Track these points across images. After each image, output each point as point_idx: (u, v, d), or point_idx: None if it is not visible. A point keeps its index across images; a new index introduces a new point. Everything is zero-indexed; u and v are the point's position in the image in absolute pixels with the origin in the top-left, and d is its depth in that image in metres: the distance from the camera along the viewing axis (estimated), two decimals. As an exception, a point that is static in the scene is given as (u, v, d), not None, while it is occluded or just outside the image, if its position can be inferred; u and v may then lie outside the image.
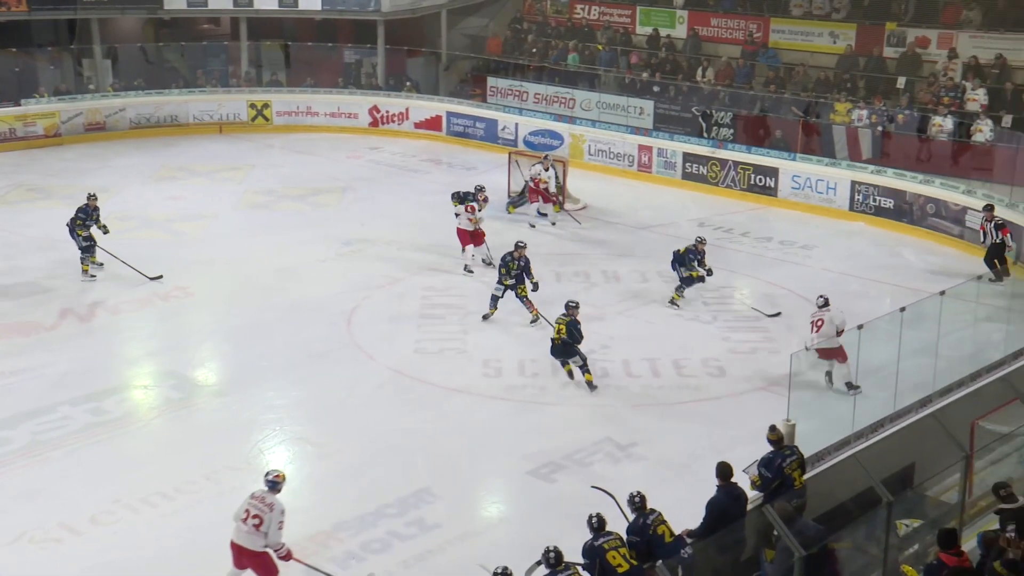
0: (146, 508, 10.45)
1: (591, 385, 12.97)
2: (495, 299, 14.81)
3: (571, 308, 13.00)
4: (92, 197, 16.59)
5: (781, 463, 9.15)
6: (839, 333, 12.47)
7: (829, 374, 12.49)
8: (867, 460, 9.18)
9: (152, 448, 11.84)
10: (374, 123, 26.54)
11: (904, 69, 21.91)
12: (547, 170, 19.49)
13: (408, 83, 27.08)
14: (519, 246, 14.75)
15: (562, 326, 12.85)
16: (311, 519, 10.41)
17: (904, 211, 19.02)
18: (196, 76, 27.10)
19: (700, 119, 22.59)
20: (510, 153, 21.80)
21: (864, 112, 20.89)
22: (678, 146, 22.15)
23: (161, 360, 13.94)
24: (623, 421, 12.31)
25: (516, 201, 20.19)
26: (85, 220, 16.32)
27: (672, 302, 15.59)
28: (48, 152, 23.99)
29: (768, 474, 9.13)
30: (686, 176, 21.92)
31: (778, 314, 15.33)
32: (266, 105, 26.64)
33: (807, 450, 9.48)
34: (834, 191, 19.90)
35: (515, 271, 14.65)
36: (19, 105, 24.38)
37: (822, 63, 23.09)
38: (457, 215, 16.91)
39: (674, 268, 15.60)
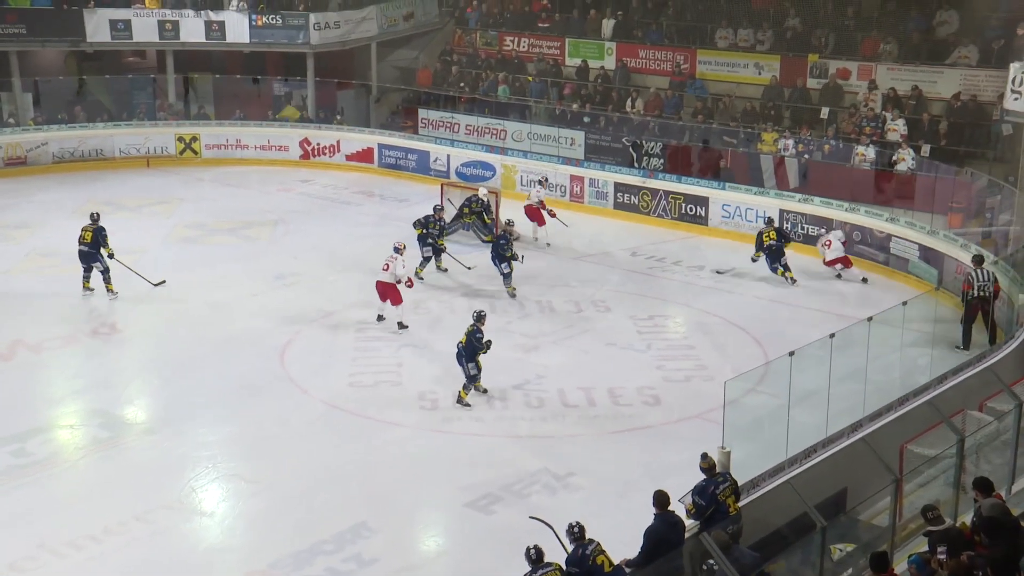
0: (72, 552, 10.15)
1: (462, 402, 13.25)
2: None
3: (480, 318, 13.46)
4: (96, 217, 17.19)
5: (714, 490, 9.23)
6: (844, 244, 18.19)
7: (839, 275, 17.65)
8: (801, 485, 9.30)
9: (79, 489, 11.52)
10: (305, 155, 26.40)
11: (827, 100, 22.49)
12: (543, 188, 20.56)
13: (338, 116, 26.99)
14: (509, 222, 17.73)
15: (466, 335, 13.30)
16: (245, 557, 10.25)
17: (830, 238, 19.43)
18: (122, 110, 26.72)
19: (631, 149, 22.88)
20: (442, 184, 21.84)
21: (790, 142, 21.36)
22: (609, 176, 22.39)
23: (88, 398, 13.62)
24: (560, 451, 12.32)
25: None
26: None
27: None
28: (-34, 188, 23.41)
29: (702, 502, 9.20)
30: (618, 206, 22.15)
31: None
32: (194, 138, 26.33)
33: (742, 477, 9.57)
34: (763, 220, 20.24)
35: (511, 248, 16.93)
36: (-66, 141, 23.80)
37: (748, 94, 23.59)
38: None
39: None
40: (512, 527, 10.31)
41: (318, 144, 26.34)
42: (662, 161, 22.49)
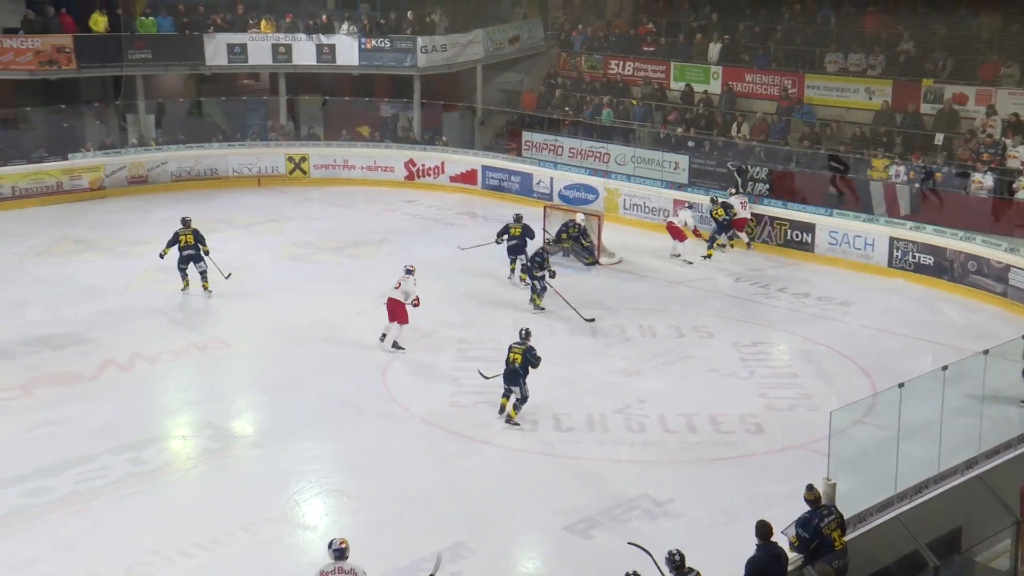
0: (183, 559, 10.45)
1: (512, 422, 13.31)
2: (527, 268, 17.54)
3: (528, 335, 13.46)
4: (188, 221, 18.17)
5: (819, 523, 9.00)
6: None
7: None
8: (911, 522, 9.02)
9: (190, 499, 11.87)
10: (410, 176, 26.82)
11: (941, 125, 21.88)
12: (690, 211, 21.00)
13: (443, 139, 27.38)
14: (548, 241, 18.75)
15: (517, 354, 13.21)
16: (346, 573, 10.36)
17: (944, 268, 18.87)
18: (235, 131, 27.63)
19: (735, 174, 22.64)
20: (545, 207, 21.93)
21: (902, 168, 20.84)
22: (714, 201, 22.16)
23: (199, 410, 14.03)
24: (660, 477, 12.19)
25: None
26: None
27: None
28: (92, 205, 24.46)
29: (806, 534, 8.98)
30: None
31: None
32: (304, 158, 27.02)
33: (848, 510, 9.32)
34: (872, 247, 19.80)
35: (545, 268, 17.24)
36: (66, 159, 24.90)
37: (858, 119, 23.11)
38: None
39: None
40: (610, 553, 10.24)
41: (423, 165, 26.74)
42: (767, 186, 22.18)
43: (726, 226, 20.75)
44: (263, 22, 27.39)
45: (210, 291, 18.05)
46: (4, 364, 15.15)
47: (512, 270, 19.07)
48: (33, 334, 16.29)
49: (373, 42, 27.34)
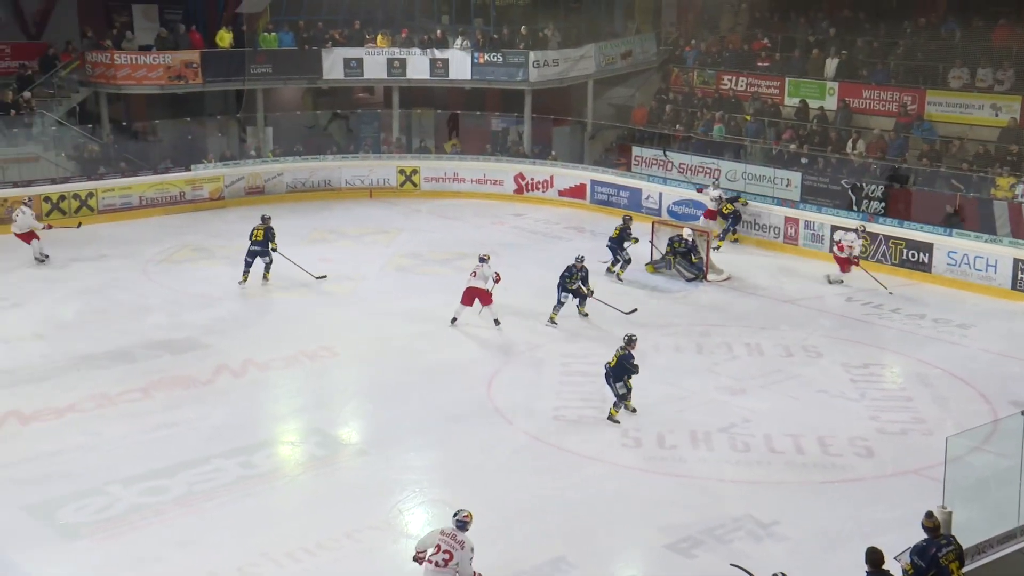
0: (290, 563, 10.68)
1: (612, 419, 13.76)
2: (558, 307, 17.18)
3: (630, 341, 13.82)
4: (267, 219, 19.67)
5: (936, 552, 8.68)
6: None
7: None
8: (1034, 556, 8.66)
9: (297, 503, 12.13)
10: (519, 190, 26.98)
11: (1072, 143, 21.01)
12: (859, 238, 20.03)
13: (552, 153, 27.47)
14: (579, 259, 17.35)
15: (616, 357, 13.76)
16: (447, 582, 10.45)
17: (1071, 291, 18.11)
18: (349, 143, 28.26)
19: (850, 192, 22.11)
20: (653, 222, 21.81)
21: (1029, 187, 20.08)
22: (826, 219, 21.70)
23: (307, 417, 14.33)
24: (765, 498, 11.97)
25: (656, 264, 20.17)
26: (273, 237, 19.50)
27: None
28: (212, 214, 25.29)
29: (922, 564, 8.67)
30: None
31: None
32: (415, 171, 27.45)
33: (966, 541, 8.97)
34: (994, 268, 19.08)
35: (575, 282, 17.19)
36: (189, 170, 25.85)
37: (982, 136, 22.32)
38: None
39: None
40: (712, 573, 10.12)
41: (532, 179, 26.87)
42: (883, 204, 21.60)
43: (737, 219, 22.28)
44: (379, 37, 27.95)
45: (268, 280, 19.53)
46: (127, 367, 15.77)
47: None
48: (154, 338, 16.91)
49: (486, 56, 27.62)
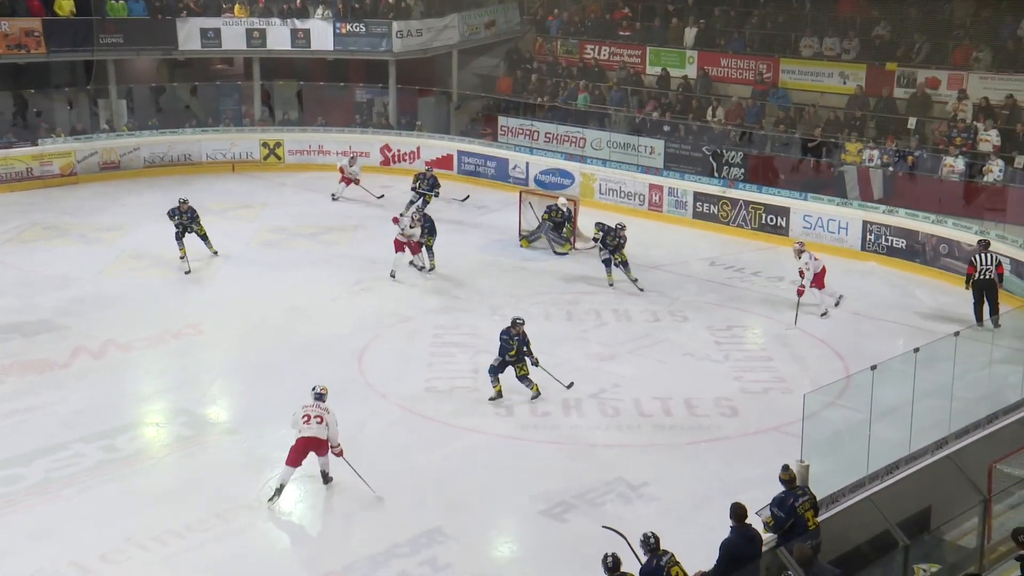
0: (157, 546, 10.42)
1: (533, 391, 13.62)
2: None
3: (516, 324, 13.57)
4: (183, 201, 18.91)
5: (794, 503, 9.08)
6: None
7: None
8: (882, 502, 9.12)
9: (164, 486, 11.81)
10: (386, 162, 26.71)
11: (914, 110, 22.01)
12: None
13: (418, 124, 27.27)
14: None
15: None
16: (321, 557, 10.41)
17: (916, 251, 19.02)
18: (208, 116, 27.41)
19: (711, 158, 22.69)
20: (521, 191, 21.91)
21: (875, 152, 20.96)
22: (689, 185, 22.22)
23: (172, 397, 13.96)
24: (635, 461, 12.25)
25: (530, 236, 20.27)
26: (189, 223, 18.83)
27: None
28: (64, 191, 24.19)
29: (781, 514, 9.06)
30: (697, 215, 21.97)
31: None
32: (278, 144, 26.85)
33: (821, 492, 9.40)
34: (846, 231, 19.92)
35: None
36: (36, 145, 24.62)
37: (832, 103, 23.20)
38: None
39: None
40: (585, 536, 10.30)
41: (399, 150, 26.64)
42: (742, 171, 22.25)
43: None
44: (236, 6, 27.14)
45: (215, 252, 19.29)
46: (-26, 352, 15.01)
47: None
48: (4, 321, 16.15)
49: (348, 26, 27.16)
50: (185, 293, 17.64)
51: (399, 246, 18.38)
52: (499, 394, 13.65)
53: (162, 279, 18.24)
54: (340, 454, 11.45)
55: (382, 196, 21.19)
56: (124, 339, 15.57)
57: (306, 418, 11.27)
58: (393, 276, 18.26)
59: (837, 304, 17.08)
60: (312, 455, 11.39)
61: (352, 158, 22.90)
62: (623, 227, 18.07)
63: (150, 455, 12.55)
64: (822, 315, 16.66)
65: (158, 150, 25.98)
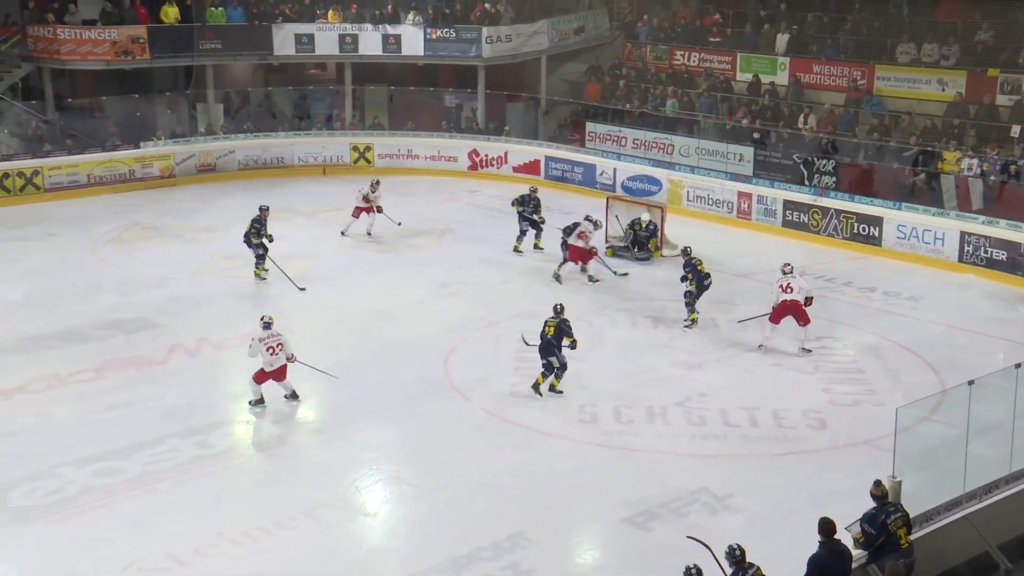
0: (247, 541, 10.64)
1: (555, 390, 13.90)
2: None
3: (560, 310, 14.03)
4: (264, 209, 18.44)
5: (885, 519, 8.85)
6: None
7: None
8: (981, 523, 8.84)
9: (253, 483, 12.08)
10: (473, 166, 26.89)
11: (1019, 117, 21.31)
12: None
13: (506, 129, 27.39)
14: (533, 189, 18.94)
15: (551, 326, 13.78)
16: (405, 559, 10.51)
17: (1018, 264, 18.40)
18: (301, 120, 27.94)
19: (801, 166, 22.33)
20: (608, 197, 21.85)
21: (975, 161, 20.37)
22: (779, 193, 21.90)
23: (263, 395, 14.17)
24: (720, 471, 12.11)
25: (619, 249, 20.05)
26: (259, 230, 18.23)
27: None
28: (163, 192, 24.91)
29: (872, 531, 8.84)
30: (787, 224, 21.64)
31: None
32: (368, 148, 27.23)
33: (914, 509, 9.15)
34: (942, 241, 19.41)
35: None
36: (138, 148, 25.40)
37: (929, 111, 22.63)
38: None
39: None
40: (670, 546, 10.21)
41: (486, 155, 26.79)
42: (834, 179, 21.84)
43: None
44: (330, 12, 27.63)
45: (262, 279, 18.63)
46: (78, 348, 15.53)
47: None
48: (106, 319, 16.67)
49: (438, 32, 27.43)
50: (276, 294, 17.99)
51: (577, 254, 18.36)
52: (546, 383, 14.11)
53: (253, 279, 18.62)
54: (293, 359, 13.41)
55: (400, 224, 20.77)
56: (217, 337, 15.95)
57: (271, 350, 13.18)
58: (592, 280, 18.53)
59: (761, 346, 15.55)
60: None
61: (374, 182, 21.31)
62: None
63: (241, 452, 12.85)
64: (759, 346, 15.53)
65: (252, 153, 26.58)
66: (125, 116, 26.33)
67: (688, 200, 23.18)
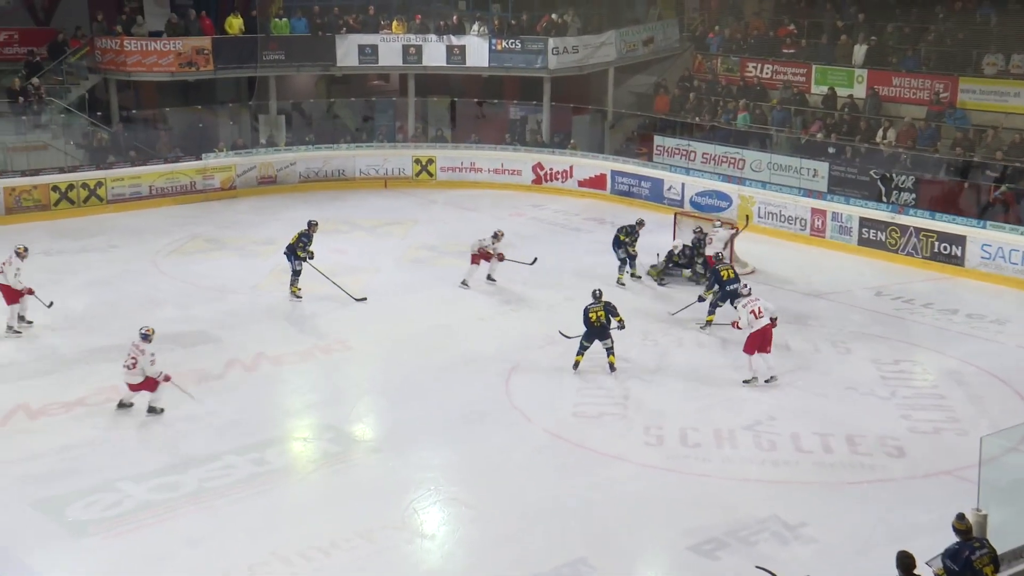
0: (302, 562, 10.38)
1: (612, 367, 14.69)
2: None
3: (599, 295, 14.79)
4: (313, 224, 18.20)
5: (970, 555, 8.29)
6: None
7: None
8: (1078, 564, 8.24)
9: (310, 502, 11.82)
10: (537, 180, 26.59)
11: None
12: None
13: (572, 143, 27.04)
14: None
15: (599, 311, 14.53)
16: (463, 584, 10.15)
17: (1112, 286, 17.57)
18: (363, 132, 27.90)
19: (879, 183, 21.61)
20: (676, 213, 21.37)
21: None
22: (854, 210, 21.21)
23: (320, 413, 14.01)
24: (791, 499, 11.60)
25: (661, 277, 19.29)
26: (306, 245, 17.97)
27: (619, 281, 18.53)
28: (224, 204, 25.02)
29: (955, 567, 8.28)
30: (862, 242, 20.95)
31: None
32: (431, 160, 27.08)
33: (1001, 545, 8.58)
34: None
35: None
36: (199, 159, 25.55)
37: (1018, 125, 21.73)
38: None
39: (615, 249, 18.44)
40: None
41: (551, 169, 26.47)
42: (914, 196, 21.08)
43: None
44: (394, 23, 27.59)
45: (297, 298, 18.10)
46: (137, 360, 15.47)
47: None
48: (166, 332, 16.51)
49: (504, 43, 27.21)
50: (334, 309, 17.80)
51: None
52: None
53: (312, 293, 18.43)
54: (167, 379, 13.30)
55: (535, 261, 18.99)
56: (275, 353, 15.79)
57: (127, 357, 13.23)
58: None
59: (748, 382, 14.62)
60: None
61: (498, 233, 19.03)
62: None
63: (297, 470, 12.61)
64: (744, 381, 14.58)
65: (313, 165, 26.58)
66: (187, 128, 26.56)
67: (759, 216, 22.59)
